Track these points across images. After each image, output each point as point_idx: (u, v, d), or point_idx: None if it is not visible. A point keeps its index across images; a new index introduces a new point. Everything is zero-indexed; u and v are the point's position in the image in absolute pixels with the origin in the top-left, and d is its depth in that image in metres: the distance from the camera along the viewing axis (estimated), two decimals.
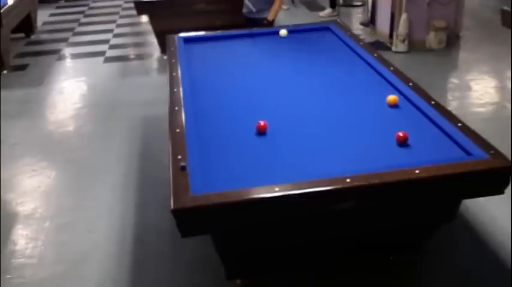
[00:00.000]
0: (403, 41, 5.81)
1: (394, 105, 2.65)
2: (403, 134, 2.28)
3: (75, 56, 6.48)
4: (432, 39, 5.86)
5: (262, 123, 2.46)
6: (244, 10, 4.79)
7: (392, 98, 2.66)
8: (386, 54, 4.16)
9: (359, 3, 7.81)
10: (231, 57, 3.57)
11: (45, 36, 7.36)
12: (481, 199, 2.56)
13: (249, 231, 2.09)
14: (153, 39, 6.25)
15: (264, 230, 2.11)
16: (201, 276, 2.67)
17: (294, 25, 4.21)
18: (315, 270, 2.60)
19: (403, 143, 2.27)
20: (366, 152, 2.25)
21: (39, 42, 7.08)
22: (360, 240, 2.41)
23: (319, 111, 2.68)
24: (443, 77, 5.21)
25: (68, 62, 6.31)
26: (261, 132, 2.44)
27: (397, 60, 5.04)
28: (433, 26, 5.79)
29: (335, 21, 4.29)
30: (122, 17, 8.20)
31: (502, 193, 2.07)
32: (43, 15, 8.15)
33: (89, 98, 5.14)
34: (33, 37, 7.22)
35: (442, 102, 2.61)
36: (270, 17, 4.75)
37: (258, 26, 4.53)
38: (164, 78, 3.49)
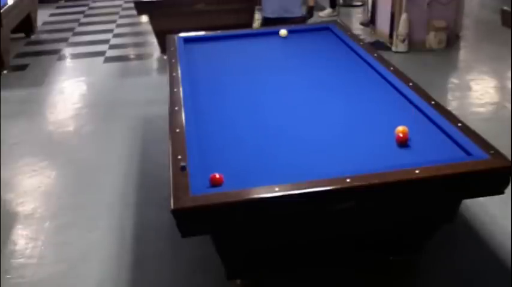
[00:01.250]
0: (403, 41, 5.81)
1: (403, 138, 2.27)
2: (403, 134, 2.28)
3: (75, 56, 6.47)
4: (432, 39, 5.85)
5: (217, 175, 2.03)
6: (268, 12, 4.64)
7: (401, 129, 2.29)
8: (386, 54, 4.16)
9: (359, 3, 7.80)
10: (231, 57, 3.57)
11: (45, 36, 7.36)
12: (481, 198, 2.56)
13: (249, 231, 2.09)
14: (153, 39, 6.25)
15: (264, 230, 2.10)
16: (201, 276, 2.67)
17: (294, 25, 4.20)
18: (314, 270, 2.60)
19: (403, 143, 2.27)
20: (366, 152, 2.25)
21: (39, 42, 7.08)
22: (359, 240, 2.41)
23: (319, 111, 2.68)
24: (443, 77, 5.21)
25: (68, 62, 6.31)
26: (215, 184, 2.02)
27: (397, 60, 5.06)
28: (433, 26, 5.79)
29: (335, 21, 4.29)
30: (121, 17, 8.19)
31: (502, 193, 2.07)
32: (43, 15, 8.14)
33: (89, 98, 5.14)
34: (33, 37, 7.22)
35: (442, 102, 2.60)
36: (310, 2, 4.73)
37: (287, 23, 4.31)
38: (164, 78, 3.49)
